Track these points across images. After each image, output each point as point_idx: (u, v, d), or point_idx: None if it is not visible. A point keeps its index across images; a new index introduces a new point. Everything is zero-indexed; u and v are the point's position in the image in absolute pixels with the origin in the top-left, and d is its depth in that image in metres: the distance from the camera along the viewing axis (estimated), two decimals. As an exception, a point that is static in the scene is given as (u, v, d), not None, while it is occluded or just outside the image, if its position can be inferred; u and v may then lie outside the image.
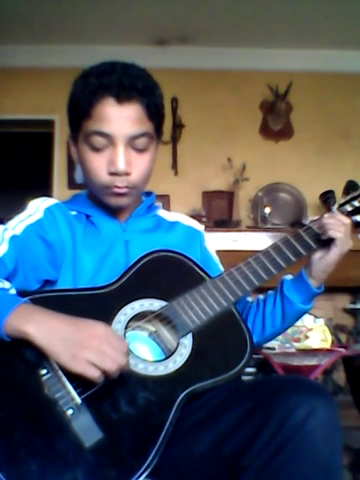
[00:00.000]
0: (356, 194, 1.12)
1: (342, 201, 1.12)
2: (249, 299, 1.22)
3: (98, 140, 1.04)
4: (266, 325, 1.16)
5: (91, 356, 0.85)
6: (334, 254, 1.08)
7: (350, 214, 1.11)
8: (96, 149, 1.05)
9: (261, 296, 1.20)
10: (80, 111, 1.04)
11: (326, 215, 1.09)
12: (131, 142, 1.04)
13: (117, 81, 1.01)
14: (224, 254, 1.33)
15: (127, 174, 1.05)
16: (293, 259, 1.08)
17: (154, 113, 1.07)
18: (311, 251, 1.10)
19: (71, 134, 1.11)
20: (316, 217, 1.12)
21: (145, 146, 1.06)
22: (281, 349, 2.25)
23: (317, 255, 1.11)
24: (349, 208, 1.11)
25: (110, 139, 1.03)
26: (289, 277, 1.16)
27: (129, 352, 0.90)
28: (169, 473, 0.92)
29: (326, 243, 1.09)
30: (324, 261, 1.10)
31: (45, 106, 3.72)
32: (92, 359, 0.85)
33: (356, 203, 1.11)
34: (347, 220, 1.08)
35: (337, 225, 1.07)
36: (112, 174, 1.05)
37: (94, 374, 0.85)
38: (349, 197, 1.12)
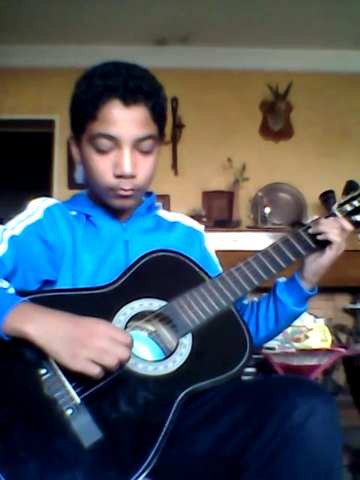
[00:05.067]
0: (356, 194, 1.12)
1: (342, 201, 1.12)
2: (245, 302, 1.22)
3: (104, 142, 1.03)
4: (260, 327, 1.16)
5: (90, 353, 0.85)
6: (328, 257, 1.08)
7: (350, 214, 1.11)
8: (101, 151, 1.04)
9: (256, 299, 1.20)
10: (85, 113, 1.03)
11: (323, 219, 1.09)
12: (137, 144, 1.04)
13: (123, 83, 1.01)
14: (224, 254, 1.33)
15: (133, 177, 1.05)
16: (293, 259, 1.08)
17: (159, 115, 1.06)
18: (311, 251, 1.10)
19: (73, 135, 1.11)
20: (316, 216, 1.12)
21: (150, 148, 1.06)
22: (281, 349, 2.25)
23: (310, 257, 1.11)
24: (349, 208, 1.11)
25: (116, 142, 1.03)
26: (283, 279, 1.16)
27: (131, 345, 0.90)
28: (168, 473, 0.92)
29: (323, 244, 1.09)
30: (317, 263, 1.10)
31: (45, 106, 3.72)
32: (91, 356, 0.85)
33: (356, 203, 1.11)
34: (344, 223, 1.08)
35: (334, 228, 1.07)
36: (118, 177, 1.05)
37: (94, 371, 0.85)
38: (349, 197, 1.12)
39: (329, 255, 1.08)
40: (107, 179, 1.05)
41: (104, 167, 1.05)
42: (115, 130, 1.02)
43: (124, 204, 1.10)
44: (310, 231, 1.09)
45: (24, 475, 0.82)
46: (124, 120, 1.02)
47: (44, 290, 1.05)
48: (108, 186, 1.06)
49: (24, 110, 3.79)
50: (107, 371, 0.86)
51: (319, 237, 1.07)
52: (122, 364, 0.88)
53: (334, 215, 1.10)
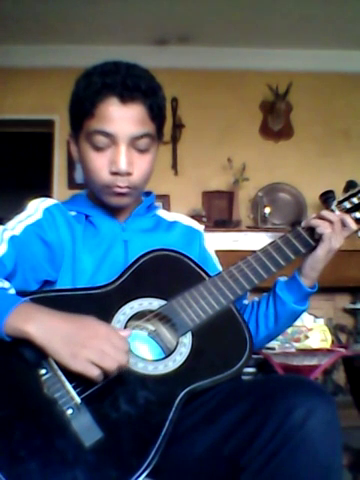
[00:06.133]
0: (355, 191, 1.12)
1: (341, 198, 1.12)
2: (245, 301, 1.22)
3: (100, 139, 1.04)
4: (260, 326, 1.16)
5: (91, 355, 0.85)
6: (321, 250, 1.08)
7: (349, 211, 1.11)
8: (98, 148, 1.05)
9: (256, 298, 1.20)
10: (83, 110, 1.04)
11: (317, 213, 1.10)
12: (133, 142, 1.05)
13: (121, 81, 1.02)
14: (224, 254, 1.33)
15: (128, 174, 1.05)
16: (292, 257, 1.08)
17: (156, 114, 1.07)
18: (310, 249, 1.10)
19: (72, 133, 1.11)
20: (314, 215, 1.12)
21: (147, 147, 1.07)
22: (281, 349, 2.26)
23: (308, 253, 1.11)
24: (348, 205, 1.11)
25: (112, 139, 1.03)
26: (283, 278, 1.16)
27: (129, 351, 0.90)
28: (169, 473, 0.92)
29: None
30: (312, 257, 1.10)
31: (45, 106, 3.72)
32: (92, 358, 0.85)
33: (355, 200, 1.11)
34: (335, 217, 1.08)
35: (323, 222, 1.07)
36: (113, 174, 1.05)
37: (94, 373, 0.85)
38: (348, 194, 1.12)
39: (322, 247, 1.08)
40: (103, 176, 1.06)
41: (100, 164, 1.05)
42: (111, 127, 1.03)
43: (120, 202, 1.10)
44: (302, 225, 1.09)
45: (25, 475, 0.82)
46: (121, 117, 1.02)
47: (44, 290, 1.06)
48: (104, 183, 1.07)
49: (24, 110, 3.79)
50: (106, 375, 0.86)
51: (316, 236, 1.08)
52: (120, 370, 0.88)
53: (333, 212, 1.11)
